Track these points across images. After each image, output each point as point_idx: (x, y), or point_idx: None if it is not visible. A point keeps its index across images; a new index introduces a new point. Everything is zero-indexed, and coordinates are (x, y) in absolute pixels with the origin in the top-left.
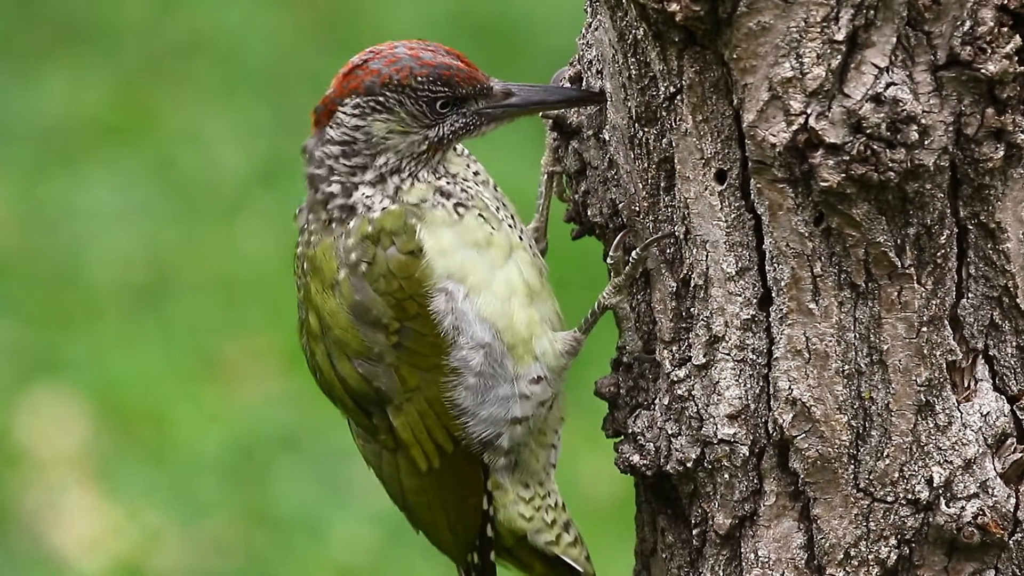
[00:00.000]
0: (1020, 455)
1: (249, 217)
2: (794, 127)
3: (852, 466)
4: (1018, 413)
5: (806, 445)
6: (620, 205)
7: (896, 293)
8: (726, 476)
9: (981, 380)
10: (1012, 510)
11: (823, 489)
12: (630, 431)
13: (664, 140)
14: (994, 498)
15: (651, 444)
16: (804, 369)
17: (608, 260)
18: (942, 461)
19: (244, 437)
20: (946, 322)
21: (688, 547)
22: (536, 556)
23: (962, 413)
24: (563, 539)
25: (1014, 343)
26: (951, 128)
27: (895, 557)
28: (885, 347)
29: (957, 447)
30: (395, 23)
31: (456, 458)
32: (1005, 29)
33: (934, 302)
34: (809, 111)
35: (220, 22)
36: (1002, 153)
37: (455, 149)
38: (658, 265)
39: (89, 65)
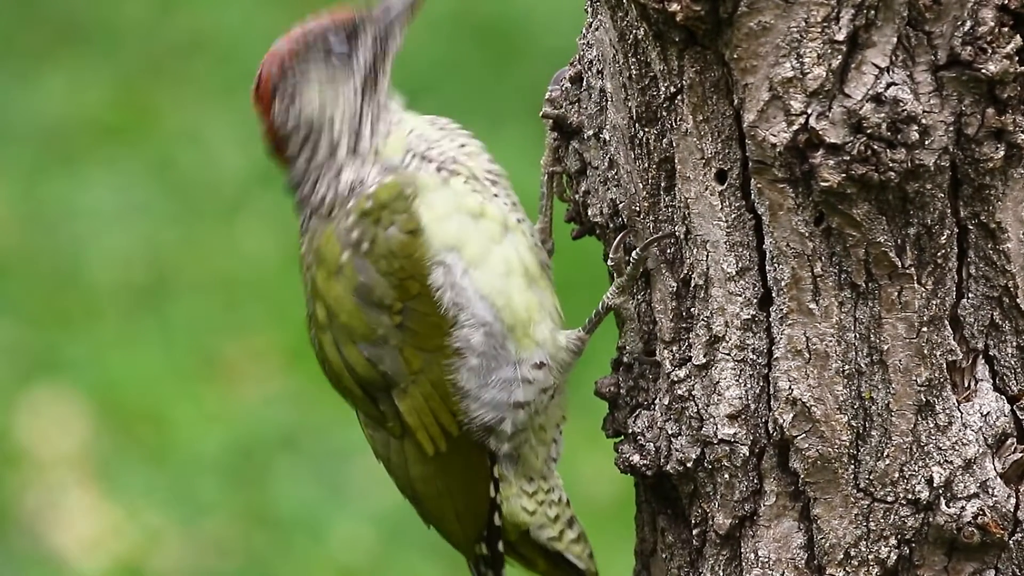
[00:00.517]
0: (1020, 455)
1: (249, 217)
2: (794, 127)
3: (852, 466)
4: (1018, 413)
5: (806, 445)
6: (620, 205)
7: (896, 293)
8: (726, 476)
9: (981, 380)
10: (1012, 510)
11: (823, 489)
12: (630, 431)
13: (664, 140)
14: (994, 498)
15: (651, 444)
16: (804, 369)
17: (609, 261)
18: (942, 461)
19: (244, 437)
20: (946, 322)
21: (688, 547)
22: (539, 552)
23: (962, 413)
24: (566, 535)
25: (1014, 343)
26: (951, 128)
27: (895, 557)
28: (885, 347)
29: (957, 447)
30: None
31: (462, 443)
32: (1006, 29)
33: (934, 302)
34: (809, 111)
35: (220, 22)
36: (1002, 153)
37: (430, 125)
38: (658, 265)
39: (89, 65)
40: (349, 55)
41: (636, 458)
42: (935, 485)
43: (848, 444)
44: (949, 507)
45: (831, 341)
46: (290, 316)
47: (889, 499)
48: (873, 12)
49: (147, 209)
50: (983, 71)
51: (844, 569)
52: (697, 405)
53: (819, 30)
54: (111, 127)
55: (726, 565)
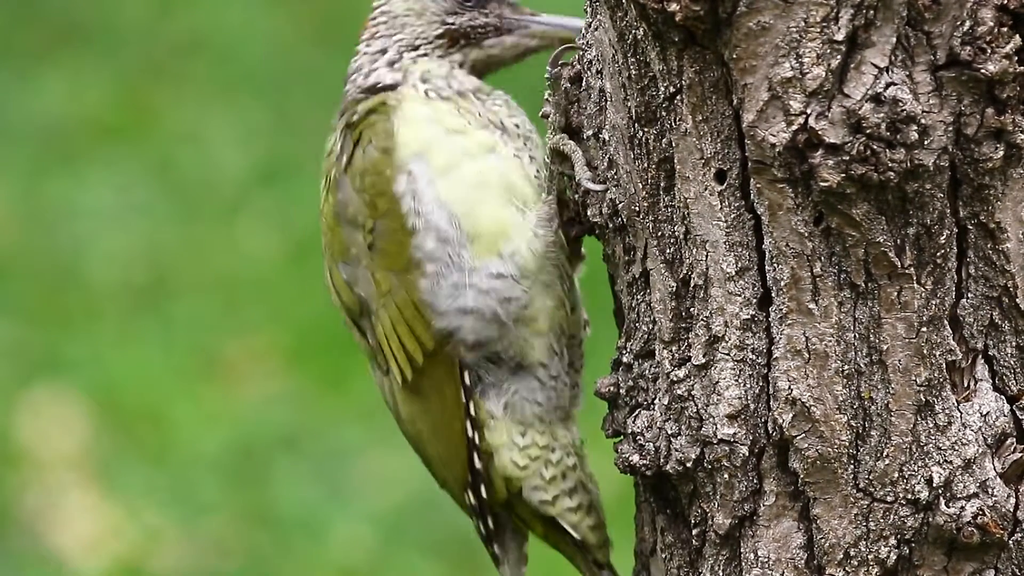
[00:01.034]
0: (1020, 455)
1: (249, 217)
2: (794, 127)
3: (852, 466)
4: (1018, 413)
5: (806, 445)
6: (620, 205)
7: (896, 293)
8: (726, 476)
9: (981, 380)
10: (1012, 510)
11: (823, 489)
12: (630, 431)
13: (664, 140)
14: (994, 498)
15: (651, 444)
16: (804, 369)
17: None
18: (942, 461)
19: (244, 437)
20: (946, 322)
21: (688, 547)
22: (535, 516)
23: (962, 413)
24: (562, 501)
25: (1014, 343)
26: (951, 128)
27: (895, 557)
28: (885, 347)
29: (957, 447)
30: None
31: (432, 372)
32: (1005, 29)
33: (934, 302)
34: (809, 111)
35: (220, 22)
36: (1002, 153)
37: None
38: (658, 265)
39: (89, 65)
40: (464, 8)
41: (636, 458)
42: (935, 485)
43: (848, 444)
44: (949, 507)
45: (830, 341)
46: (290, 316)
47: (889, 499)
48: (872, 12)
49: (147, 209)
50: (982, 71)
51: (844, 569)
52: (697, 405)
53: (818, 30)
54: (111, 127)
55: (726, 565)
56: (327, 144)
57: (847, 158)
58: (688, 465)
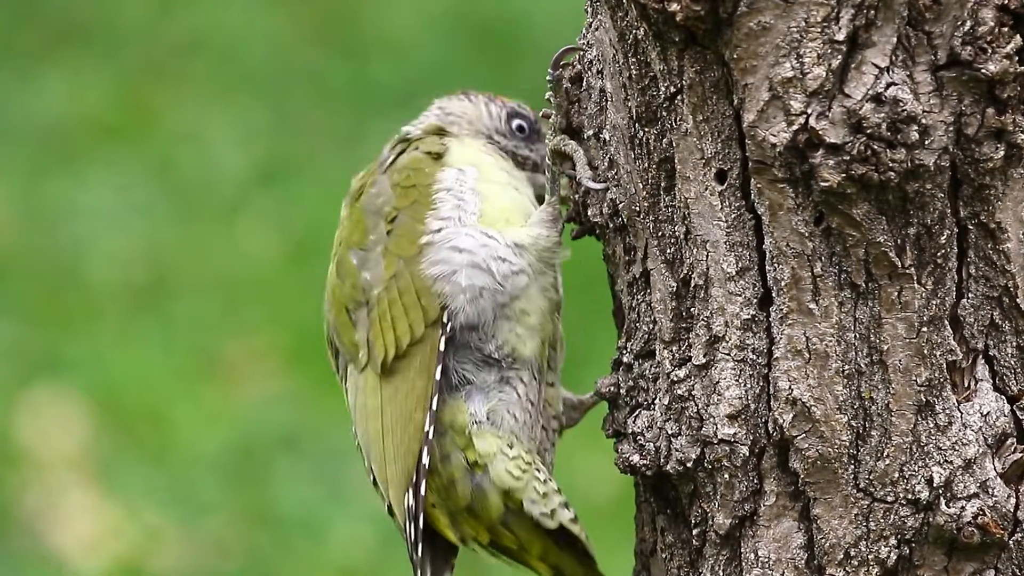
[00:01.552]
0: (1020, 455)
1: (249, 217)
2: (794, 127)
3: (852, 466)
4: (1018, 413)
5: (806, 445)
6: (620, 205)
7: (896, 293)
8: (726, 476)
9: (981, 380)
10: (1012, 510)
11: (823, 489)
12: (630, 431)
13: (664, 140)
14: (994, 498)
15: (651, 444)
16: (804, 369)
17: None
18: (942, 461)
19: (244, 437)
20: (946, 322)
21: (688, 547)
22: (534, 533)
23: (962, 413)
24: (561, 513)
25: (1014, 343)
26: (951, 128)
27: (895, 557)
28: (885, 347)
29: (957, 447)
30: (395, 23)
31: (411, 360)
32: (1005, 29)
33: (934, 302)
34: (809, 111)
35: (220, 22)
36: (1002, 153)
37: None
38: (658, 265)
39: (89, 65)
40: (512, 134)
41: (636, 458)
42: (935, 485)
43: (848, 444)
44: (949, 507)
45: (831, 341)
46: (290, 316)
47: (889, 499)
48: (873, 12)
49: (147, 209)
50: (983, 71)
51: (844, 569)
52: (697, 405)
53: (819, 30)
54: (111, 127)
55: (726, 565)
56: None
57: (847, 158)
58: (688, 465)
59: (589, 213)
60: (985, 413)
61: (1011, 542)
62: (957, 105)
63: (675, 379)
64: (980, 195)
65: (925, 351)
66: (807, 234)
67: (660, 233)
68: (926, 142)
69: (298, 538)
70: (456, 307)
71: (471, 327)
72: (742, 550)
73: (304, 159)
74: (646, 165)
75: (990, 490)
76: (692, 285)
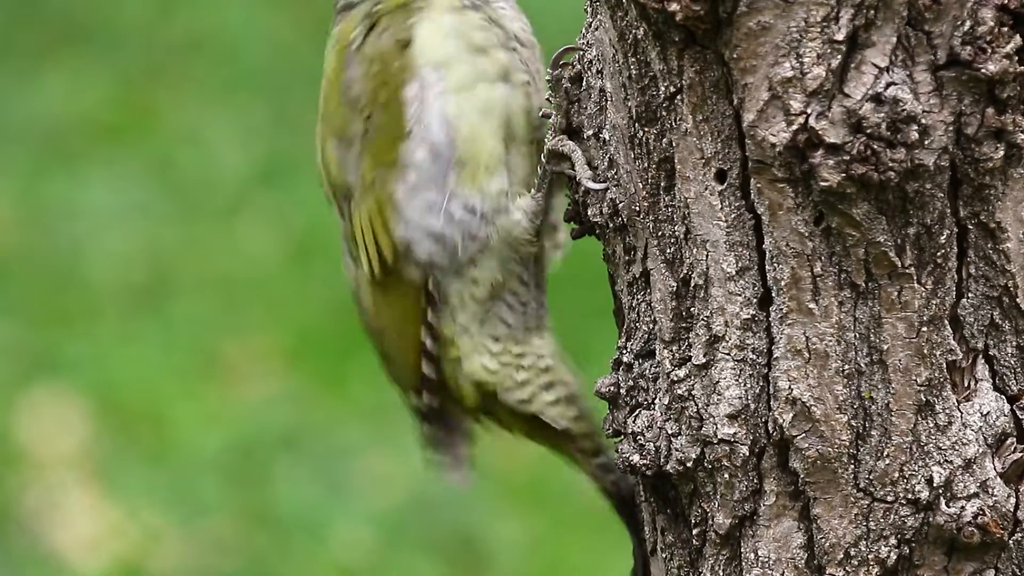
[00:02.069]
0: (1020, 455)
1: (249, 217)
2: (794, 127)
3: (852, 466)
4: (1018, 413)
5: (806, 445)
6: (620, 205)
7: (896, 293)
8: (726, 476)
9: (981, 380)
10: (1012, 510)
11: (823, 489)
12: (630, 431)
13: (664, 140)
14: (994, 498)
15: (651, 444)
16: (804, 369)
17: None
18: (942, 461)
19: (244, 437)
20: (946, 322)
21: (688, 547)
22: (515, 416)
23: (962, 413)
24: (540, 397)
25: (1014, 343)
26: (951, 128)
27: (895, 557)
28: (885, 347)
29: (957, 447)
30: None
31: (400, 277)
32: (1005, 29)
33: (934, 302)
34: (809, 111)
35: (220, 22)
36: (1002, 153)
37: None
38: (658, 265)
39: (89, 65)
40: None
41: (636, 458)
42: (935, 485)
43: (848, 444)
44: (949, 507)
45: (831, 341)
46: (290, 316)
47: (889, 499)
48: (873, 12)
49: (147, 209)
50: (983, 71)
51: (844, 569)
52: (697, 405)
53: (818, 30)
54: (111, 127)
55: (726, 565)
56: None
57: (847, 158)
58: (688, 465)
59: (589, 213)
60: (985, 413)
61: (1011, 542)
62: (957, 105)
63: (675, 379)
64: (980, 195)
65: (925, 351)
66: (807, 234)
67: (660, 233)
68: (926, 142)
69: (298, 538)
70: (416, 251)
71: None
72: (742, 550)
73: (304, 159)
74: (646, 165)
75: (990, 490)
76: (692, 285)
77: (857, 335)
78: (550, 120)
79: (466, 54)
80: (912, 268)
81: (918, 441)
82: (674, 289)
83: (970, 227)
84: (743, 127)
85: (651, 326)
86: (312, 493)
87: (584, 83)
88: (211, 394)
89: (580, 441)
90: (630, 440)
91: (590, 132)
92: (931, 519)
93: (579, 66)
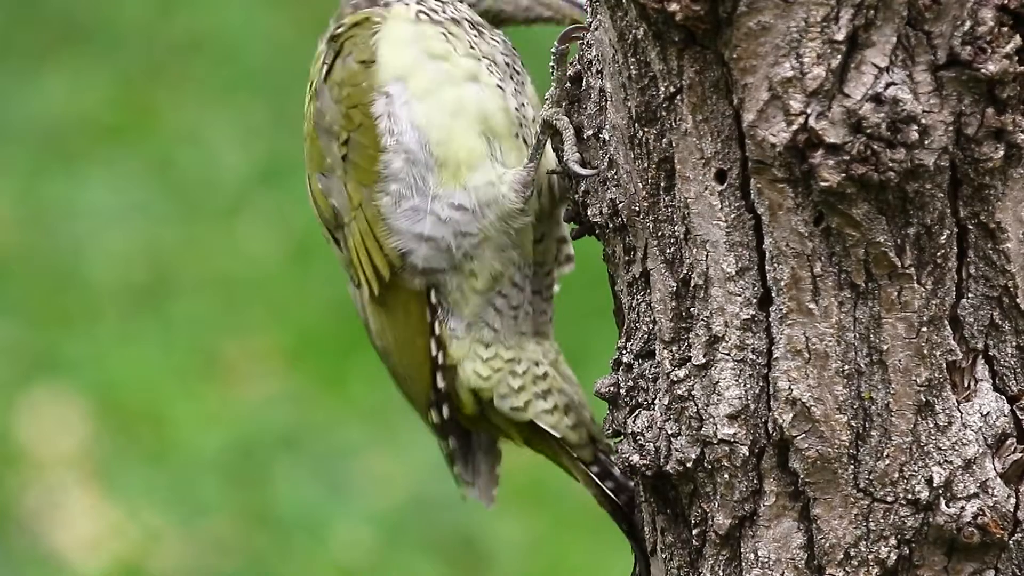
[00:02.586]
0: (1020, 455)
1: (249, 217)
2: (794, 127)
3: (852, 466)
4: (1018, 413)
5: (806, 445)
6: (620, 205)
7: (896, 293)
8: (726, 476)
9: (981, 380)
10: (1012, 510)
11: (823, 489)
12: (630, 431)
13: (664, 140)
14: (994, 498)
15: (651, 444)
16: (804, 369)
17: (552, 57)
18: (942, 461)
19: (244, 437)
20: (946, 322)
21: (688, 547)
22: (512, 424)
23: (962, 413)
24: (534, 405)
25: (1014, 343)
26: (951, 128)
27: (895, 557)
28: (885, 347)
29: (957, 447)
30: None
31: (399, 289)
32: (1005, 29)
33: (934, 302)
34: (809, 111)
35: (220, 22)
36: (1002, 153)
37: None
38: (658, 265)
39: (89, 65)
40: None
41: (636, 458)
42: (935, 485)
43: (848, 444)
44: (949, 507)
45: (831, 341)
46: (290, 316)
47: (889, 499)
48: (872, 12)
49: (147, 209)
50: (983, 71)
51: (844, 569)
52: (697, 405)
53: (818, 30)
54: (111, 127)
55: (726, 565)
56: (316, 52)
57: (847, 158)
58: (688, 465)
59: (589, 213)
60: (985, 413)
61: (1011, 542)
62: (957, 105)
63: (675, 379)
64: (980, 195)
65: (925, 351)
66: (807, 234)
67: (660, 233)
68: (926, 142)
69: (298, 538)
70: (414, 261)
71: (429, 271)
72: (742, 550)
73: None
74: (646, 165)
75: (990, 490)
76: (692, 285)
77: (857, 335)
78: (548, 92)
79: (428, 61)
80: (912, 268)
81: (918, 441)
82: (674, 289)
83: (970, 227)
84: (743, 127)
85: (651, 326)
86: (312, 493)
87: (584, 83)
88: (211, 394)
89: (577, 450)
90: (630, 440)
91: (590, 132)
92: (931, 519)
93: (579, 66)
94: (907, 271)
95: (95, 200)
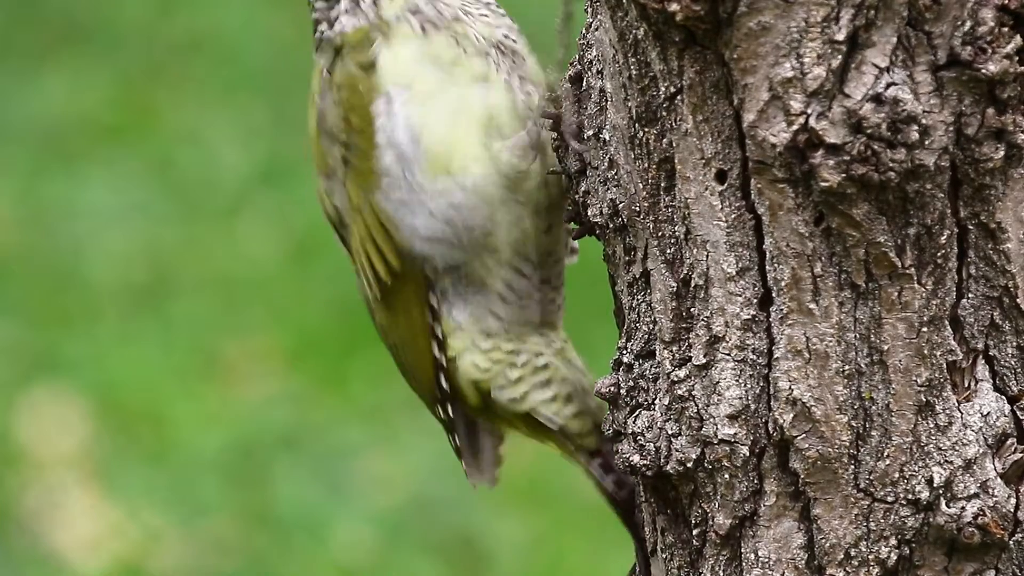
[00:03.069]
0: (1020, 455)
1: (249, 217)
2: (794, 127)
3: (852, 466)
4: (1018, 413)
5: (806, 445)
6: (620, 205)
7: (896, 293)
8: (726, 476)
9: (981, 380)
10: (1012, 510)
11: (823, 489)
12: (630, 431)
13: (664, 140)
14: (994, 498)
15: (651, 444)
16: (804, 369)
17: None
18: (942, 461)
19: (244, 437)
20: (946, 322)
21: (688, 547)
22: (512, 415)
23: (962, 413)
24: (532, 396)
25: (1014, 343)
26: (951, 128)
27: (895, 557)
28: (885, 347)
29: (957, 447)
30: None
31: (400, 292)
32: (1005, 29)
33: (934, 302)
34: (809, 111)
35: (220, 22)
36: (1002, 153)
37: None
38: (658, 265)
39: (89, 65)
40: None
41: (636, 458)
42: (935, 485)
43: (848, 444)
44: (949, 507)
45: (831, 341)
46: (290, 316)
47: (889, 499)
48: (873, 12)
49: (147, 209)
50: (983, 71)
51: (844, 569)
52: (697, 405)
53: (819, 30)
54: (111, 127)
55: (726, 565)
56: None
57: (847, 158)
58: (688, 465)
59: (589, 213)
60: (985, 413)
61: (1011, 542)
62: (957, 105)
63: (675, 379)
64: (980, 195)
65: (925, 351)
66: (807, 234)
67: (660, 233)
68: (926, 142)
69: (298, 538)
70: (431, 262)
71: (449, 268)
72: (742, 550)
73: (304, 159)
74: (646, 165)
75: (990, 490)
76: (692, 285)
77: (857, 335)
78: (552, 54)
79: (432, 70)
80: (912, 268)
81: (918, 441)
82: (674, 289)
83: (970, 227)
84: (743, 127)
85: (651, 326)
86: (312, 493)
87: (584, 83)
88: (211, 394)
89: (579, 440)
90: (630, 440)
91: (590, 132)
92: (931, 519)
93: (579, 66)
94: (907, 271)
95: (95, 200)
